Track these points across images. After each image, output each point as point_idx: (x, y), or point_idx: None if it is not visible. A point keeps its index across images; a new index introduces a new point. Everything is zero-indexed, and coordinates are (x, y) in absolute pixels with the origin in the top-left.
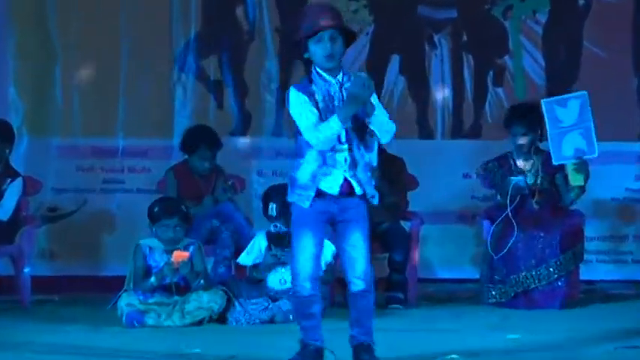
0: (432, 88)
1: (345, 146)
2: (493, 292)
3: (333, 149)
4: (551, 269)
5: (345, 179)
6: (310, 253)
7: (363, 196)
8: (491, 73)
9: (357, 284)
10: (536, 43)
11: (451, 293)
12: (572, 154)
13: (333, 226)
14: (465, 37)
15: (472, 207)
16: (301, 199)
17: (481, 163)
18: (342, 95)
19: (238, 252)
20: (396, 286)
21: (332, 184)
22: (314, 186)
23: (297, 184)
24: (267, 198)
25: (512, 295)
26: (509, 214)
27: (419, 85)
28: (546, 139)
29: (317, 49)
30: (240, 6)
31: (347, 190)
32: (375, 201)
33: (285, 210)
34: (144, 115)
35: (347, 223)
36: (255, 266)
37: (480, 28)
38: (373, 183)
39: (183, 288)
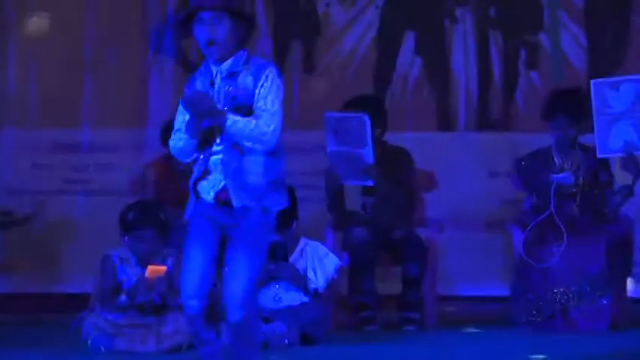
0: (453, 71)
1: (220, 147)
2: (525, 311)
3: (209, 151)
4: (594, 285)
5: (224, 186)
6: (195, 264)
7: (246, 209)
8: (523, 53)
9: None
10: (577, 19)
11: (476, 313)
12: (621, 147)
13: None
14: (492, 11)
15: (500, 212)
16: (186, 210)
17: (514, 158)
18: (223, 88)
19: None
20: (410, 306)
21: (208, 190)
22: (192, 190)
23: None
24: None
25: (548, 314)
26: (554, 215)
27: (437, 68)
28: (589, 132)
29: (197, 33)
30: None
31: (223, 198)
32: (267, 215)
33: (280, 216)
34: (113, 103)
35: (230, 240)
36: None
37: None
38: (271, 188)
39: (159, 307)
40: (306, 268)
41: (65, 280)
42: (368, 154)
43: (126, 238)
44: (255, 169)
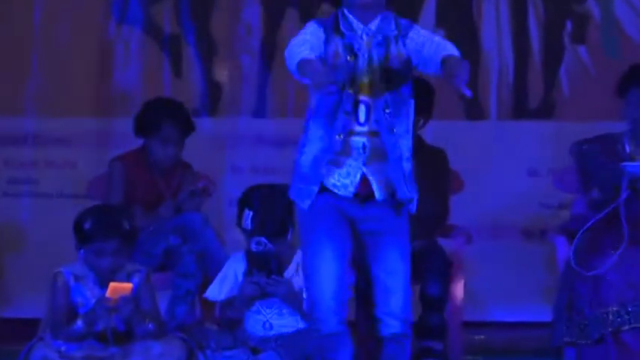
0: (483, 46)
1: (365, 128)
2: (569, 332)
3: (344, 130)
4: None
5: (364, 176)
6: (330, 270)
7: (398, 202)
8: (568, 24)
9: (391, 325)
10: None
11: (511, 342)
12: None
13: (354, 235)
14: None
15: (541, 218)
16: (300, 196)
17: (574, 142)
18: (372, 55)
19: (206, 284)
20: (431, 332)
21: (343, 182)
22: (316, 178)
23: (298, 174)
24: (243, 203)
25: (597, 337)
26: (620, 211)
27: (464, 42)
28: None
29: None
30: None
31: (367, 192)
32: (413, 208)
33: (268, 219)
34: (67, 86)
35: (378, 237)
36: (229, 302)
37: None
38: (410, 180)
39: (124, 335)
40: (304, 286)
41: (9, 303)
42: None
43: (82, 251)
44: (406, 152)
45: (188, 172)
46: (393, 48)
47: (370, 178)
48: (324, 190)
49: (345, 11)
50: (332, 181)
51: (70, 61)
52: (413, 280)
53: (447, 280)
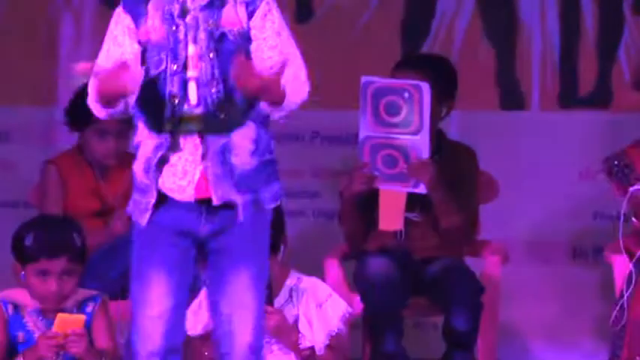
0: (524, 20)
1: (199, 110)
2: None
3: (174, 117)
4: None
5: (204, 175)
6: (158, 307)
7: (248, 204)
8: None
9: None
10: None
11: None
12: None
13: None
14: None
15: (595, 232)
16: (137, 210)
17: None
18: (202, 22)
19: None
20: None
21: (178, 182)
22: (152, 185)
23: (135, 184)
24: None
25: None
26: None
27: (499, 13)
28: None
29: None
30: None
31: (204, 194)
32: (262, 212)
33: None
34: (1, 67)
35: (220, 255)
36: (206, 337)
37: None
38: (264, 174)
39: None
40: (298, 316)
41: None
42: (423, 143)
43: (23, 273)
44: (244, 143)
45: None
46: (228, 11)
47: (210, 176)
48: (162, 200)
49: None
50: (167, 184)
51: (6, 37)
52: (435, 309)
53: (477, 311)
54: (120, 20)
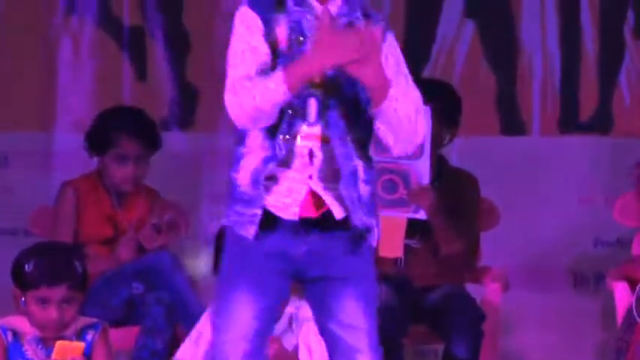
0: (524, 43)
1: (317, 129)
2: None
3: (290, 130)
4: None
5: (312, 193)
6: (244, 329)
7: (361, 231)
8: (630, 15)
9: None
10: None
11: None
12: None
13: (301, 287)
14: None
15: (596, 258)
16: (241, 223)
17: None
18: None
19: (177, 342)
20: None
21: (285, 199)
22: (259, 199)
23: (235, 194)
24: (221, 242)
25: None
26: None
27: (500, 38)
28: None
29: None
30: None
31: (314, 212)
32: (372, 238)
33: None
34: (2, 93)
35: (330, 283)
36: None
37: None
38: (367, 206)
39: None
40: (298, 345)
41: None
42: (423, 168)
43: (23, 299)
44: (362, 172)
45: (154, 200)
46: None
47: (322, 193)
48: (265, 217)
49: None
50: (270, 200)
51: (5, 61)
52: (436, 337)
53: (477, 338)
54: (250, 23)
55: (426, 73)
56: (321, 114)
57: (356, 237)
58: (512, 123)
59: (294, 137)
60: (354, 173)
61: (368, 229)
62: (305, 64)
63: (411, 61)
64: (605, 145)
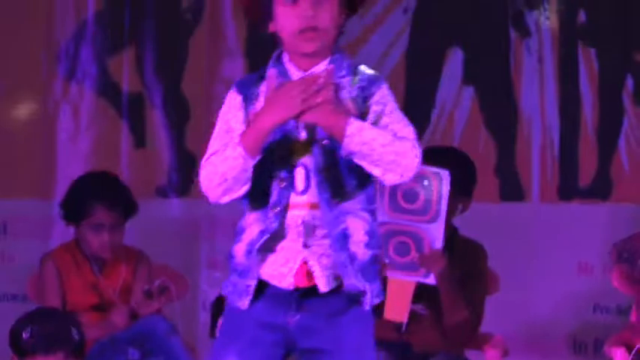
0: (522, 109)
1: (305, 197)
2: None
3: (280, 202)
4: None
5: (304, 263)
6: None
7: (353, 295)
8: (629, 80)
9: None
10: None
11: None
12: None
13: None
14: (581, 16)
15: (596, 325)
16: (235, 293)
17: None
18: None
19: None
20: None
21: (281, 269)
22: (253, 269)
23: (232, 266)
24: (218, 309)
25: None
26: None
27: (499, 104)
28: None
29: (288, 15)
30: None
31: (307, 281)
32: (367, 302)
33: None
34: (1, 160)
35: (321, 356)
36: None
37: (610, 0)
38: (368, 268)
39: None
40: None
41: None
42: (437, 232)
43: None
44: (359, 234)
45: (137, 262)
46: (343, 94)
47: (311, 263)
48: (260, 287)
49: (283, 55)
50: (267, 270)
51: (4, 128)
52: None
53: None
54: (232, 103)
55: (426, 139)
56: (309, 181)
57: (349, 302)
58: (511, 189)
59: (285, 209)
60: (343, 236)
61: (362, 293)
62: (255, 124)
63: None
64: (605, 211)
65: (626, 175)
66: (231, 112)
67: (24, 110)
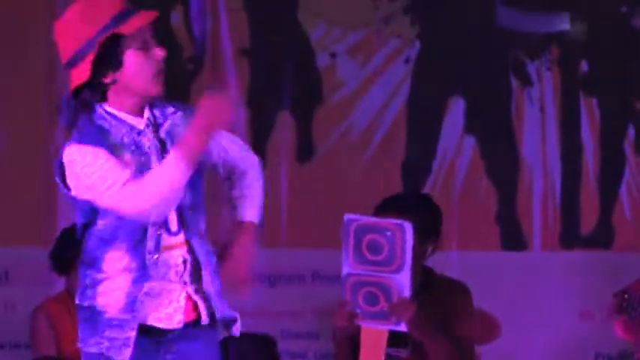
0: (525, 158)
1: (181, 236)
2: None
3: (157, 246)
4: None
5: (189, 298)
6: None
7: (213, 325)
8: (630, 130)
9: None
10: None
11: None
12: None
13: None
14: (583, 66)
15: None
16: (113, 348)
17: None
18: (162, 144)
19: None
20: None
21: (166, 310)
22: (134, 320)
23: (103, 321)
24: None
25: None
26: None
27: (500, 153)
28: None
29: (142, 63)
30: (177, 12)
31: (193, 316)
32: (235, 331)
33: None
34: (2, 207)
35: None
36: None
37: (610, 49)
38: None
39: None
40: None
41: None
42: (404, 282)
43: None
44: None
45: None
46: (180, 129)
47: (195, 297)
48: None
49: (105, 108)
50: (150, 315)
51: (7, 176)
52: None
53: None
54: (94, 151)
55: (427, 188)
56: (180, 220)
57: (221, 331)
58: (513, 237)
59: (161, 251)
60: (214, 270)
61: (233, 321)
62: (196, 135)
63: (412, 176)
64: (607, 259)
65: (628, 223)
66: (97, 150)
67: (26, 156)
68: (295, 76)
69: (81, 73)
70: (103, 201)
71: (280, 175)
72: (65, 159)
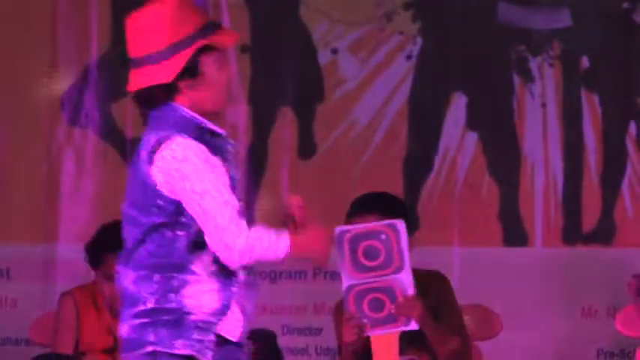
0: (526, 155)
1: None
2: None
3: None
4: None
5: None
6: None
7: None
8: (632, 126)
9: None
10: None
11: None
12: None
13: None
14: (585, 63)
15: None
16: (202, 350)
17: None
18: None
19: None
20: None
21: (235, 324)
22: (214, 325)
23: (190, 324)
24: None
25: None
26: None
27: (502, 149)
28: None
29: (221, 76)
30: None
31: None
32: None
33: None
34: (3, 204)
35: None
36: None
37: (612, 46)
38: None
39: None
40: None
41: None
42: (406, 280)
43: None
44: None
45: None
46: None
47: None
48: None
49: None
50: (226, 326)
51: (8, 173)
52: None
53: None
54: (212, 160)
55: (429, 184)
56: None
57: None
58: (514, 234)
59: None
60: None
61: None
62: (309, 247)
63: (414, 171)
64: (608, 255)
65: (629, 219)
66: (217, 164)
67: (28, 155)
68: (297, 72)
69: (157, 73)
70: (207, 229)
71: (282, 172)
72: (179, 153)
